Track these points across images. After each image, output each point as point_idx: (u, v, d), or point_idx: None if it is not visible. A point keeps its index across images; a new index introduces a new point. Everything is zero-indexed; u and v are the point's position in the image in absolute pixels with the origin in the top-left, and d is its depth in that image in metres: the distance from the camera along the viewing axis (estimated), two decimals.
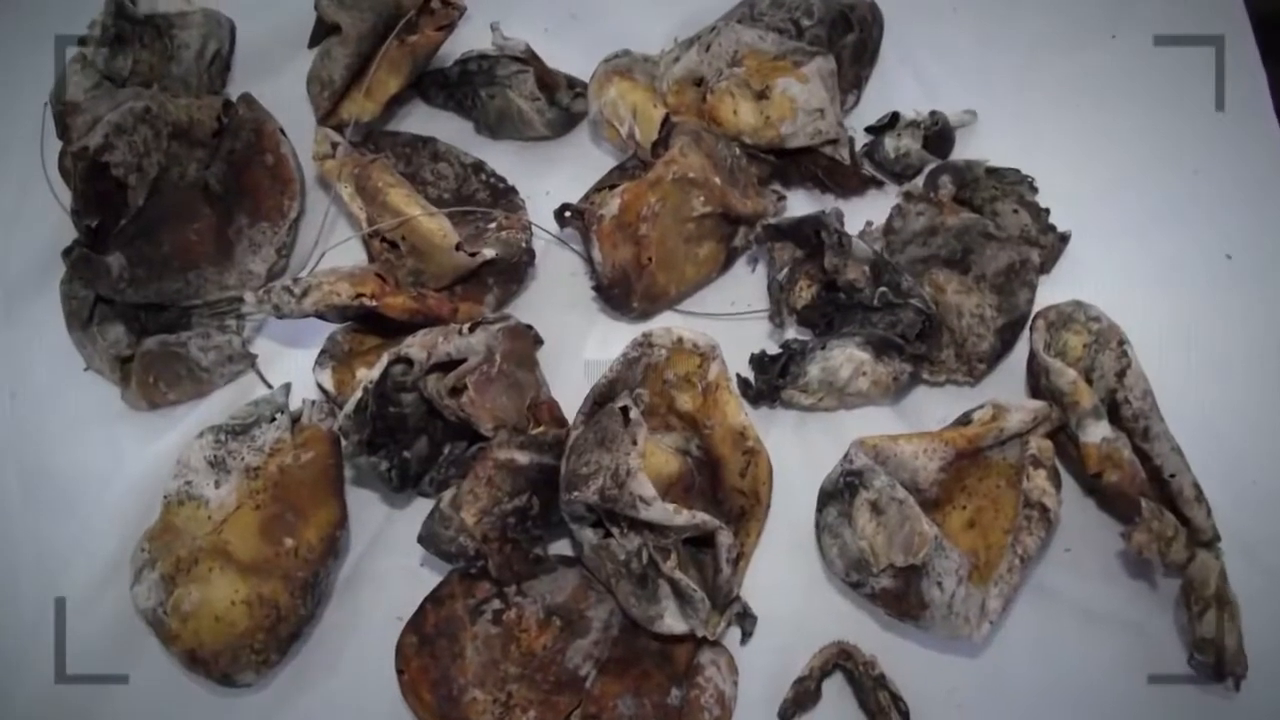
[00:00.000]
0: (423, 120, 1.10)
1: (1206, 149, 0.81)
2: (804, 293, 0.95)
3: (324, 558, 0.82)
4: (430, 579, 0.85)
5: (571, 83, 1.07)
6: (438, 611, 0.82)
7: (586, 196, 0.98)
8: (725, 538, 0.78)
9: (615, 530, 0.78)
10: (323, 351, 0.91)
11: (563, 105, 1.06)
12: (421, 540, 0.80)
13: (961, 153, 1.05)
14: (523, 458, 0.80)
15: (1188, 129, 0.81)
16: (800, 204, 1.02)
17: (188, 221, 0.96)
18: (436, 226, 0.92)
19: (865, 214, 0.97)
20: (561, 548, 0.88)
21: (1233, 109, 0.91)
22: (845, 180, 1.02)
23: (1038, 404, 0.84)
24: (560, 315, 0.99)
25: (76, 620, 0.86)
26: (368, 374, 0.81)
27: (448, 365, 0.84)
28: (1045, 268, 0.97)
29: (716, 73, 1.00)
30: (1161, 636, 0.84)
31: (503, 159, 1.06)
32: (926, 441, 0.82)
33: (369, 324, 0.92)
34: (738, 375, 0.92)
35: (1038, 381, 0.87)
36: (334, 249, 0.98)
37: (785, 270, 0.94)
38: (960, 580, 0.76)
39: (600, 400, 0.85)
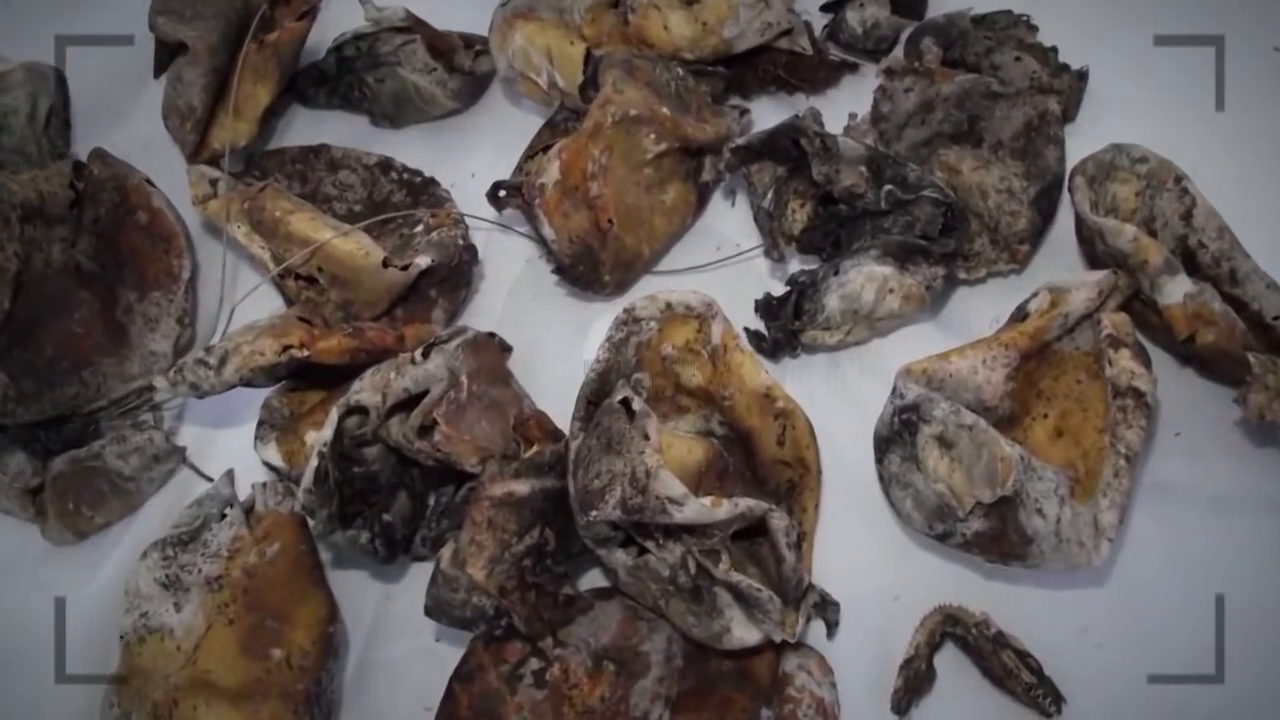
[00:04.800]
0: (309, 127, 1.11)
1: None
2: (798, 215, 0.95)
3: (322, 661, 0.82)
4: (451, 654, 0.84)
5: (469, 41, 1.07)
6: (470, 689, 0.81)
7: (520, 168, 0.99)
8: (779, 520, 0.77)
9: (650, 544, 0.77)
10: (260, 423, 0.90)
11: (465, 69, 1.06)
12: (429, 612, 0.79)
13: (938, 8, 1.05)
14: (522, 487, 0.79)
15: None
16: (768, 114, 1.02)
17: (67, 313, 0.95)
18: (355, 246, 0.92)
19: (846, 106, 0.97)
20: (593, 579, 0.87)
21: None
22: (812, 73, 1.02)
23: (1100, 274, 0.83)
24: (526, 313, 0.99)
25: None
26: (319, 436, 0.80)
27: (409, 403, 0.83)
28: (1068, 115, 0.97)
29: None
30: None
31: (412, 148, 1.06)
32: (983, 350, 0.81)
33: (306, 378, 0.91)
34: (745, 329, 0.91)
35: (1093, 248, 0.87)
36: (244, 302, 0.98)
37: (770, 194, 0.94)
38: (1062, 500, 0.75)
39: (594, 399, 0.85)
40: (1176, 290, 0.80)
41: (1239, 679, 0.79)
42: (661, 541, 0.77)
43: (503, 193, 0.93)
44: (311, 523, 0.81)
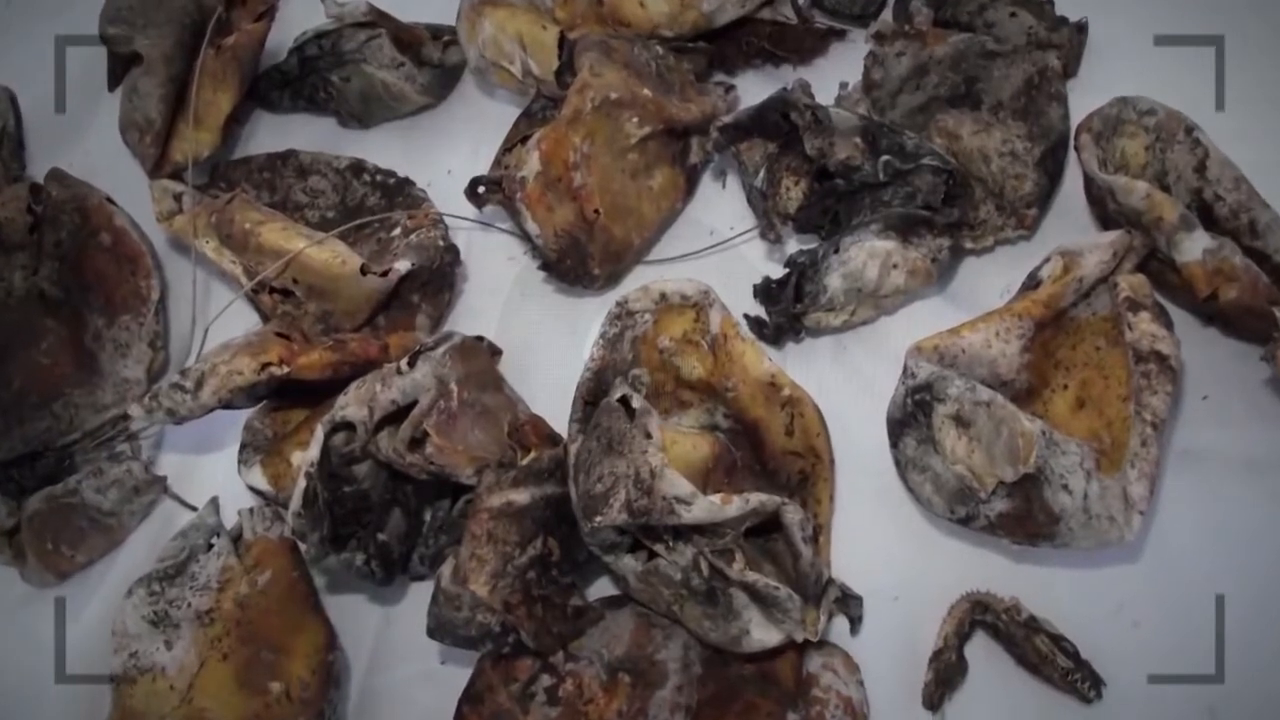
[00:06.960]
0: (274, 133, 1.11)
1: None
2: (792, 192, 0.94)
3: (323, 691, 0.82)
4: (458, 676, 0.83)
5: (436, 32, 1.07)
6: (480, 711, 0.81)
7: (498, 162, 0.98)
8: (793, 513, 0.76)
9: (659, 547, 0.77)
10: (243, 446, 0.90)
11: (434, 62, 1.06)
12: (432, 633, 0.79)
13: None
14: (521, 496, 0.79)
15: None
16: (754, 88, 1.02)
17: (33, 343, 0.96)
18: (330, 254, 0.92)
19: (836, 76, 0.97)
20: (602, 588, 0.87)
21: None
22: (798, 43, 1.02)
23: (1113, 235, 0.83)
24: (515, 313, 1.00)
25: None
26: (305, 456, 0.80)
27: (397, 415, 0.82)
28: (1070, 70, 0.97)
29: None
30: None
31: (384, 148, 1.06)
32: (995, 322, 0.81)
33: (288, 397, 0.91)
34: (745, 316, 0.91)
35: (1104, 208, 0.87)
36: (218, 320, 0.98)
37: (761, 173, 0.94)
38: (1089, 474, 0.75)
39: (591, 399, 0.84)
40: (1195, 246, 0.80)
41: (1238, 672, 0.80)
42: (671, 544, 0.77)
43: (482, 189, 0.93)
44: (303, 547, 0.82)
